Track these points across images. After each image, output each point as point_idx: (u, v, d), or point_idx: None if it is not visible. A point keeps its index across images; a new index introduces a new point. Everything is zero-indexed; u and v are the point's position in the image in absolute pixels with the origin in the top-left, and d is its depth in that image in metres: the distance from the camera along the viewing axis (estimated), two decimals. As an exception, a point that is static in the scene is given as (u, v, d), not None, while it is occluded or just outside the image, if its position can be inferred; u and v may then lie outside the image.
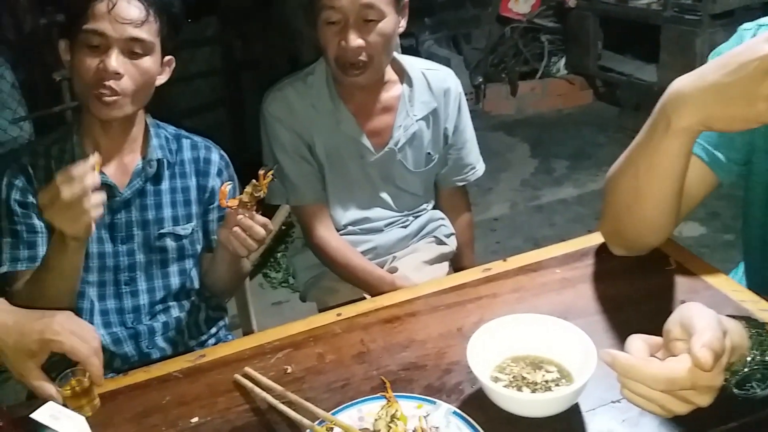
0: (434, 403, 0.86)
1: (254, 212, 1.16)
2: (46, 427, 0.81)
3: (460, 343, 0.98)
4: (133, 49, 1.18)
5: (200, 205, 1.37)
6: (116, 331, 1.32)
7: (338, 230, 1.58)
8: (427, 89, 1.57)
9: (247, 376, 0.99)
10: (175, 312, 1.37)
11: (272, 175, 1.15)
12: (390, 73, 1.53)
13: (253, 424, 0.91)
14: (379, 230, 1.60)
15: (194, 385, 1.00)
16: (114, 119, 1.22)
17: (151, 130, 1.32)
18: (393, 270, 1.57)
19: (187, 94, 3.68)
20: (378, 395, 0.89)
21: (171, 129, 1.38)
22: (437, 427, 0.82)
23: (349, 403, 0.89)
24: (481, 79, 4.50)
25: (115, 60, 1.16)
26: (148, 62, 1.21)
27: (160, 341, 1.36)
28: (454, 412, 0.84)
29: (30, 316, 0.96)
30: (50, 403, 0.85)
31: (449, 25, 4.72)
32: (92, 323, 1.29)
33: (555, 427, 0.82)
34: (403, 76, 1.55)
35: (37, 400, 1.02)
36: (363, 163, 1.54)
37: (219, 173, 1.38)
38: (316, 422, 0.84)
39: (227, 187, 1.21)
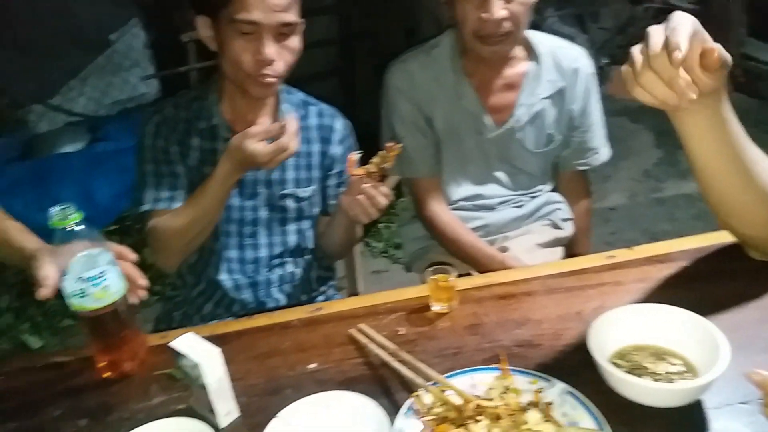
0: (549, 380, 0.88)
1: (378, 182, 1.21)
2: (183, 355, 0.91)
3: (578, 326, 0.99)
4: (282, 32, 1.22)
5: (321, 171, 1.44)
6: (237, 278, 1.43)
7: (450, 205, 1.60)
8: (555, 68, 1.55)
9: (361, 331, 1.05)
10: (290, 267, 1.47)
11: (400, 147, 1.19)
12: (517, 49, 1.52)
13: (366, 377, 0.96)
14: (491, 208, 1.62)
15: (311, 334, 1.08)
16: (266, 97, 1.32)
17: (282, 95, 1.40)
18: (503, 249, 1.58)
19: (301, 62, 3.81)
20: (492, 366, 0.91)
21: (300, 95, 1.45)
22: (551, 403, 0.84)
23: (462, 370, 0.92)
24: (606, 61, 4.33)
25: (270, 47, 1.20)
26: (296, 41, 1.26)
27: (275, 292, 1.46)
28: (570, 392, 0.85)
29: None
30: (189, 334, 0.95)
31: (576, 2, 4.55)
32: (217, 269, 1.42)
33: (673, 419, 0.81)
34: (531, 52, 1.54)
35: (174, 330, 1.14)
36: (480, 140, 1.56)
37: (341, 141, 1.44)
38: (429, 383, 0.88)
39: (356, 155, 1.25)
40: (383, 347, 0.99)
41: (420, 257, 1.71)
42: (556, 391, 0.86)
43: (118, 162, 3.05)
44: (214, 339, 0.94)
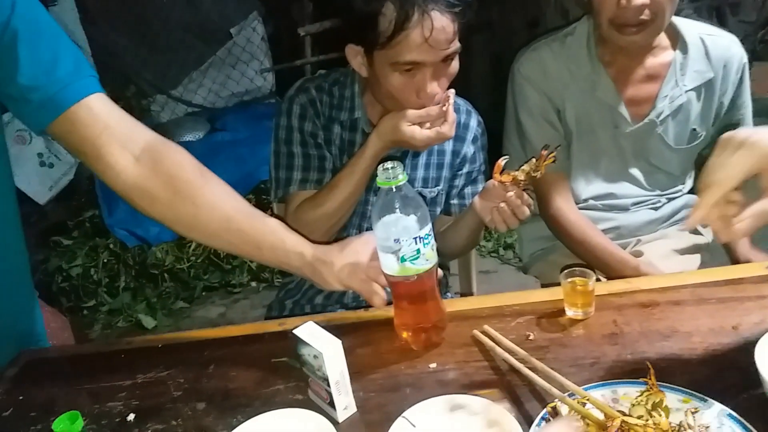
0: (705, 400, 0.78)
1: (523, 191, 1.13)
2: (306, 344, 0.90)
3: (736, 341, 0.89)
4: (445, 61, 1.16)
5: (450, 170, 1.39)
6: None
7: (577, 203, 1.51)
8: (705, 57, 1.41)
9: (486, 333, 0.99)
10: None
11: (553, 157, 1.11)
12: (661, 37, 1.41)
13: (492, 382, 0.91)
14: (624, 209, 1.50)
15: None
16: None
17: None
18: (637, 254, 1.47)
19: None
20: (636, 380, 0.83)
21: None
22: (707, 427, 0.75)
23: (602, 382, 0.84)
24: (747, 57, 3.98)
25: (433, 85, 1.15)
26: (455, 65, 1.19)
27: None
28: (729, 415, 0.76)
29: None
30: (310, 323, 0.94)
31: (714, -8, 4.22)
32: None
33: None
34: (677, 40, 1.41)
35: (289, 318, 1.15)
36: (616, 134, 1.45)
37: (474, 140, 1.38)
38: (566, 394, 0.82)
39: (503, 161, 1.16)
40: (511, 352, 0.93)
41: (540, 259, 1.63)
42: (713, 412, 0.77)
43: (235, 152, 3.17)
44: (330, 329, 0.92)
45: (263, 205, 3.12)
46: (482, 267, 2.80)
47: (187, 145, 3.39)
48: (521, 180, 1.11)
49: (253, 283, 3.11)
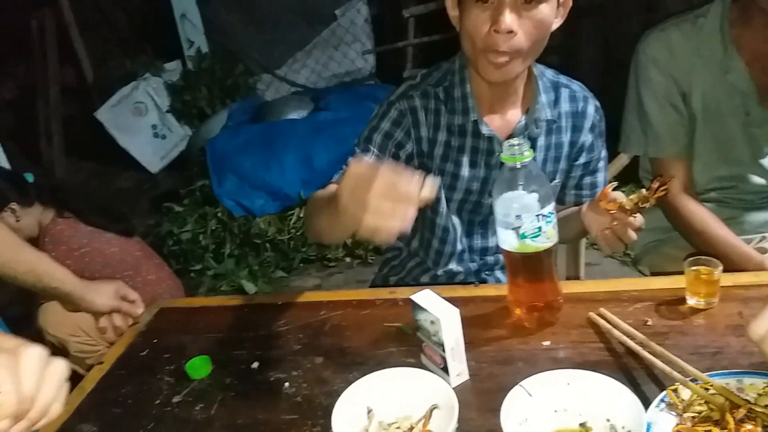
0: (844, 400, 0.76)
1: (631, 218, 1.04)
2: (424, 310, 0.94)
3: None
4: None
5: (567, 161, 1.32)
6: (465, 260, 1.42)
7: (698, 193, 1.46)
8: None
9: (602, 316, 1.00)
10: None
11: (665, 189, 1.01)
12: None
13: (608, 363, 0.92)
14: (750, 202, 1.44)
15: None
16: (503, 81, 1.17)
17: (539, 85, 1.24)
18: (762, 251, 1.40)
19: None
20: (763, 372, 0.81)
21: (549, 74, 1.30)
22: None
23: (726, 371, 0.83)
24: None
25: (509, 16, 1.05)
26: (545, 10, 1.07)
27: (498, 272, 1.44)
28: None
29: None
30: (427, 291, 0.97)
31: None
32: (452, 252, 1.38)
33: None
34: None
35: (400, 287, 1.19)
36: (747, 121, 1.38)
37: (592, 128, 1.31)
38: (688, 379, 0.81)
39: (610, 189, 1.06)
40: (629, 335, 0.93)
41: (653, 251, 1.59)
42: None
43: (337, 131, 3.26)
44: (444, 300, 0.95)
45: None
46: (584, 259, 2.73)
47: (292, 124, 3.56)
48: (627, 209, 1.03)
49: (348, 259, 3.20)
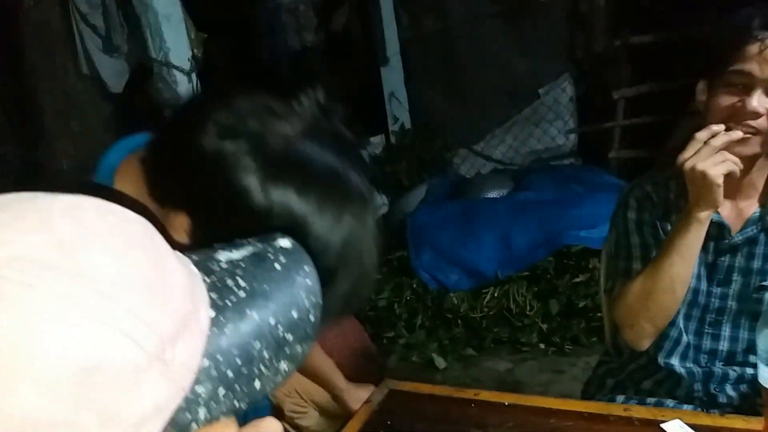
0: None
1: None
2: (675, 440, 0.93)
3: None
4: None
5: None
6: (690, 366, 1.38)
7: None
8: None
9: None
10: (750, 370, 1.35)
11: None
12: None
13: None
14: None
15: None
16: (742, 156, 1.20)
17: None
18: None
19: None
20: None
21: None
22: None
23: None
24: None
25: (757, 100, 1.14)
26: None
27: (729, 389, 1.37)
28: None
29: None
30: (677, 421, 0.97)
31: None
32: (669, 352, 1.38)
33: None
34: None
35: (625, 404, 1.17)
36: None
37: None
38: None
39: None
40: None
41: None
42: None
43: (538, 212, 3.29)
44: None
45: (563, 268, 3.19)
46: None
47: (492, 202, 3.66)
48: None
49: (542, 345, 3.16)
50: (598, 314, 2.91)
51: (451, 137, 4.80)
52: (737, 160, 1.12)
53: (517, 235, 3.25)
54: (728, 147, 1.18)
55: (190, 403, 0.30)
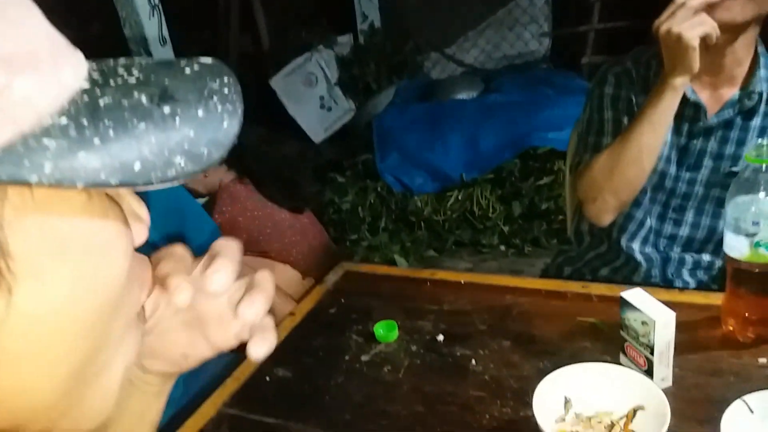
0: None
1: None
2: (635, 309, 0.91)
3: None
4: None
5: None
6: (649, 251, 1.38)
7: None
8: None
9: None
10: (708, 256, 1.35)
11: None
12: None
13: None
14: None
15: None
16: (722, 24, 1.11)
17: (761, 60, 1.21)
18: None
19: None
20: None
21: None
22: None
23: None
24: None
25: None
26: None
27: (685, 274, 1.37)
28: None
29: None
30: (638, 289, 0.94)
31: None
32: (632, 235, 1.38)
33: None
34: None
35: (592, 282, 1.16)
36: None
37: None
38: None
39: None
40: None
41: None
42: None
43: (507, 114, 3.22)
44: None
45: (528, 171, 3.17)
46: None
47: (461, 104, 3.58)
48: None
49: (502, 247, 3.17)
50: (560, 216, 2.93)
51: (422, 39, 4.63)
52: (714, 24, 1.05)
53: (484, 136, 3.19)
54: (708, 14, 1.09)
55: (33, 152, 0.26)
